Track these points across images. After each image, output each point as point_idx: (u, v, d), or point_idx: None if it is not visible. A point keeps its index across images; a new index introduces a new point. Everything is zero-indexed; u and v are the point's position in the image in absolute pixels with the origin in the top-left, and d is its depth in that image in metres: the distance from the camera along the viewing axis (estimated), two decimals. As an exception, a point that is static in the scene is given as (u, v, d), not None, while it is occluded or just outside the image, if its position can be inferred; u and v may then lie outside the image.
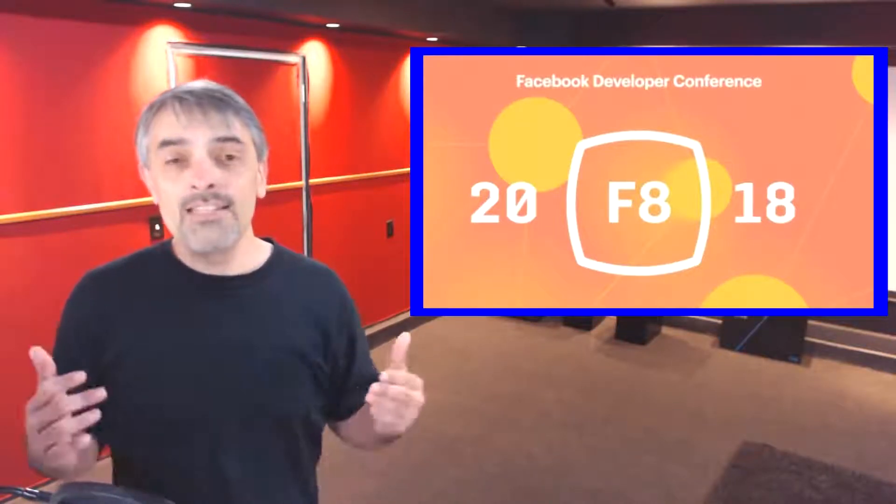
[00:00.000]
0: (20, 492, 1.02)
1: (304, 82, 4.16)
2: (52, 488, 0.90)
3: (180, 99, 1.02)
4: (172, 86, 3.37)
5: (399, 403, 0.99)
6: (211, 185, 1.00)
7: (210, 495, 1.06)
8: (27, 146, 2.89)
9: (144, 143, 1.05)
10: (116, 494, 0.86)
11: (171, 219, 1.04)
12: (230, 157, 1.03)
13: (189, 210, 1.01)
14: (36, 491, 1.00)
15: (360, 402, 1.15)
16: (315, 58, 4.23)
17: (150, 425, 1.05)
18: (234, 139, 1.03)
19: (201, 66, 3.55)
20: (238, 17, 3.67)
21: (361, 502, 3.08)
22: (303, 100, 4.17)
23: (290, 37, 4.05)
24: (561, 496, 3.19)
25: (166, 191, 1.02)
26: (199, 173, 0.99)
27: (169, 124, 1.01)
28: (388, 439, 1.11)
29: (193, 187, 1.00)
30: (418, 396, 1.01)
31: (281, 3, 3.54)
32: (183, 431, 1.05)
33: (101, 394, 0.87)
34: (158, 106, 1.04)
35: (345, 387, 1.20)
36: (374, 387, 0.99)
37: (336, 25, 4.16)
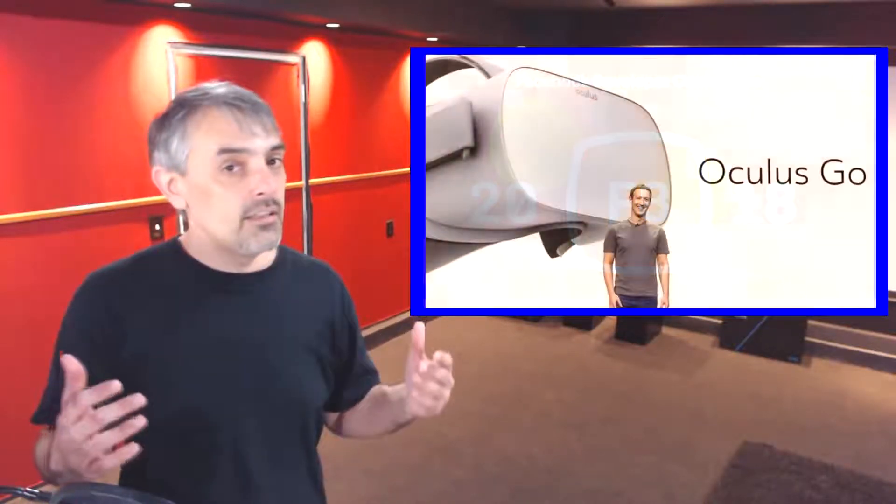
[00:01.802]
0: (20, 492, 1.02)
1: (304, 82, 4.15)
2: (51, 488, 0.90)
3: (237, 106, 1.02)
4: (173, 86, 3.38)
5: (442, 387, 1.05)
6: (273, 191, 1.04)
7: (231, 488, 1.09)
8: (27, 146, 2.89)
9: (184, 149, 1.03)
10: (116, 494, 0.86)
11: (223, 224, 1.04)
12: (272, 162, 1.06)
13: (248, 217, 1.03)
14: (36, 491, 1.00)
15: (361, 394, 1.24)
16: (315, 58, 4.23)
17: (173, 424, 1.05)
18: (283, 146, 1.07)
19: (201, 66, 3.55)
20: (238, 17, 3.67)
21: (361, 503, 3.08)
22: (303, 100, 4.17)
23: (290, 37, 4.05)
24: (561, 496, 3.19)
25: (222, 197, 1.03)
26: (265, 180, 1.03)
27: (229, 132, 1.01)
28: (403, 425, 1.18)
29: (260, 194, 1.02)
30: (451, 378, 1.07)
31: (281, 3, 3.54)
32: (206, 428, 1.07)
33: (139, 400, 0.85)
34: (196, 110, 1.03)
35: (347, 378, 1.25)
36: (422, 368, 1.05)
37: (336, 25, 4.16)
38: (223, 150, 1.01)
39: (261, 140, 1.03)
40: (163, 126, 1.05)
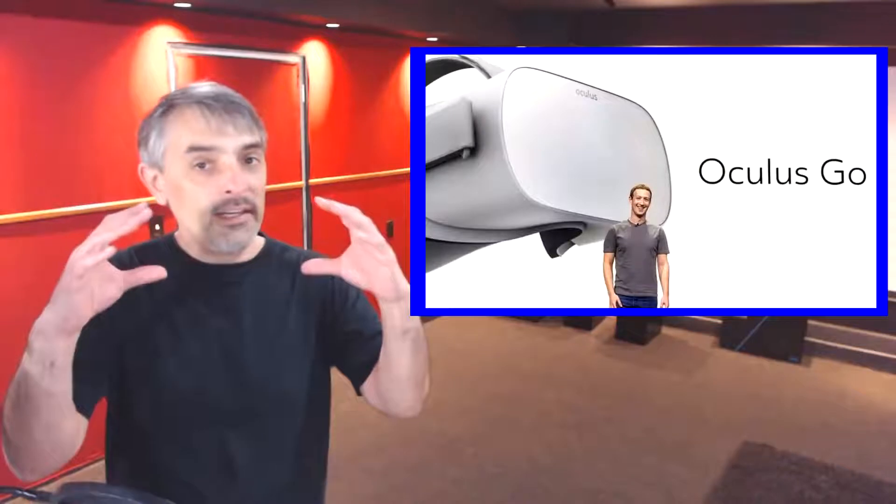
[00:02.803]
0: (20, 492, 1.02)
1: (304, 82, 4.15)
2: (51, 488, 0.90)
3: (207, 105, 1.04)
4: (173, 86, 3.38)
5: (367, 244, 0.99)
6: (244, 190, 1.04)
7: (215, 479, 1.10)
8: (27, 146, 2.89)
9: (160, 146, 1.06)
10: (116, 494, 0.86)
11: (194, 221, 1.06)
12: (249, 160, 1.07)
13: (218, 214, 1.04)
14: (36, 491, 1.00)
15: (374, 354, 1.14)
16: (315, 58, 4.23)
17: (156, 412, 1.08)
18: (258, 145, 1.08)
19: (201, 66, 3.55)
20: (238, 17, 3.67)
21: (361, 503, 3.08)
22: (303, 100, 4.17)
23: (290, 37, 4.05)
24: (561, 496, 3.19)
25: (193, 194, 1.04)
26: (235, 179, 1.04)
27: (199, 130, 1.03)
28: (407, 330, 1.06)
29: (228, 192, 1.03)
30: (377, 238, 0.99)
31: (281, 3, 3.54)
32: (195, 414, 1.09)
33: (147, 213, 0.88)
34: (173, 109, 1.05)
35: (350, 348, 1.19)
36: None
37: (336, 25, 4.16)
38: (192, 148, 1.03)
39: (231, 138, 1.04)
40: (146, 123, 1.09)
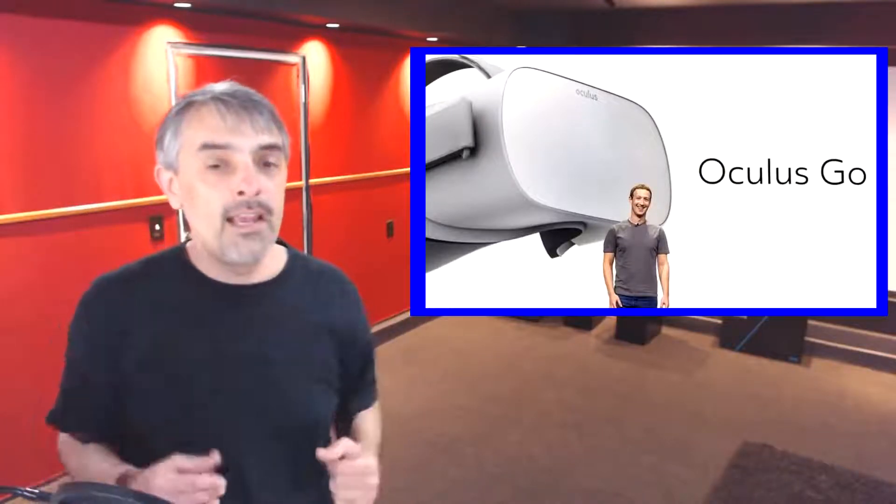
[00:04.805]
0: (20, 492, 1.02)
1: (304, 82, 4.15)
2: (52, 488, 0.90)
3: (224, 102, 0.98)
4: (173, 86, 3.38)
5: (356, 477, 1.06)
6: (258, 192, 0.98)
7: (229, 501, 1.07)
8: (27, 146, 2.89)
9: (175, 146, 1.01)
10: (117, 494, 0.86)
11: (207, 226, 1.00)
12: (267, 164, 1.01)
13: (229, 220, 0.98)
14: (36, 491, 1.00)
15: (366, 403, 1.20)
16: (315, 58, 4.23)
17: (171, 434, 1.03)
18: (277, 146, 1.02)
19: (201, 66, 3.55)
20: (238, 17, 3.67)
21: (361, 502, 3.08)
22: (303, 100, 4.17)
23: (290, 37, 4.05)
24: (561, 496, 3.19)
25: (204, 196, 0.98)
26: (249, 180, 0.97)
27: (213, 127, 0.98)
28: None
29: (241, 193, 0.97)
30: (373, 480, 1.09)
31: (281, 3, 3.54)
32: (205, 440, 1.03)
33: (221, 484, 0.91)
34: (190, 107, 1.01)
35: (356, 389, 1.20)
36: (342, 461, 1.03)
37: (336, 25, 4.16)
38: (205, 146, 0.97)
39: (247, 137, 0.98)
40: (162, 124, 1.04)
